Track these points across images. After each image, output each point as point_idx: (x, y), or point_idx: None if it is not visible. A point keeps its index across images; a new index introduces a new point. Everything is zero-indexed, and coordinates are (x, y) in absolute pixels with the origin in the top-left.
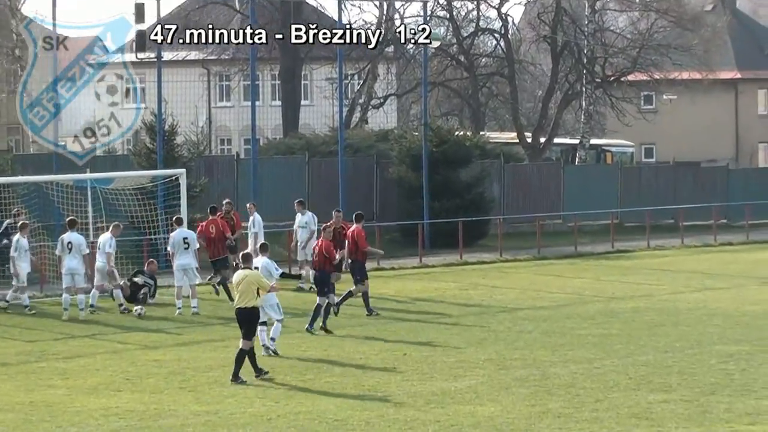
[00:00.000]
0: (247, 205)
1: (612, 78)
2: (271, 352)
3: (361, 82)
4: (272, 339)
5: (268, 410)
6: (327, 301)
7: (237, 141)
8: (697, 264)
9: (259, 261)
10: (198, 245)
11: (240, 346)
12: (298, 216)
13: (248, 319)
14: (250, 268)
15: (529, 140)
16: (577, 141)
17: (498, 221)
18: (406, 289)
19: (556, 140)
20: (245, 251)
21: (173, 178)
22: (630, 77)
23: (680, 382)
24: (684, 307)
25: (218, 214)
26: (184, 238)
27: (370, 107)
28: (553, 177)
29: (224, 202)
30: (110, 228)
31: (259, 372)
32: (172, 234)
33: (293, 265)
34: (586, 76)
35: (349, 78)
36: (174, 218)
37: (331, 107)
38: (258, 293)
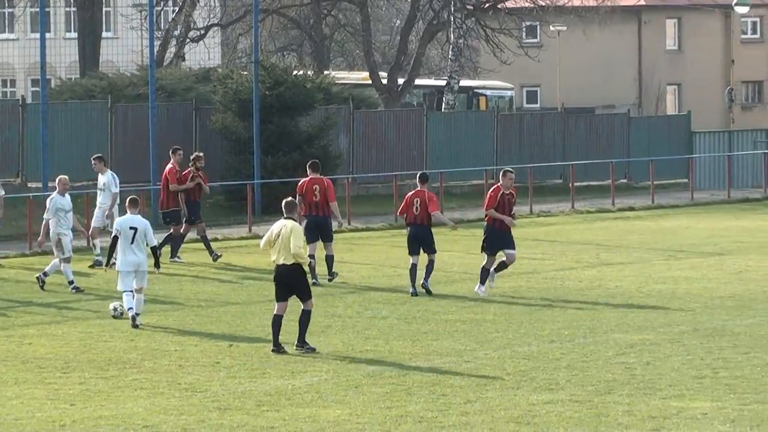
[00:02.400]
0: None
1: (486, 4)
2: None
3: (177, 9)
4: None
5: (62, 414)
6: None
7: (23, 82)
8: (591, 234)
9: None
10: None
11: (304, 308)
12: (99, 176)
13: (295, 277)
14: (293, 219)
15: (385, 81)
16: (443, 82)
17: (346, 181)
18: (232, 264)
19: (418, 81)
20: (289, 200)
21: None
22: (508, 3)
23: (569, 379)
24: (575, 287)
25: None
26: None
27: (188, 41)
28: (415, 127)
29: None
30: None
31: (304, 345)
32: None
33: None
34: (454, 2)
35: (162, 4)
36: None
37: (140, 40)
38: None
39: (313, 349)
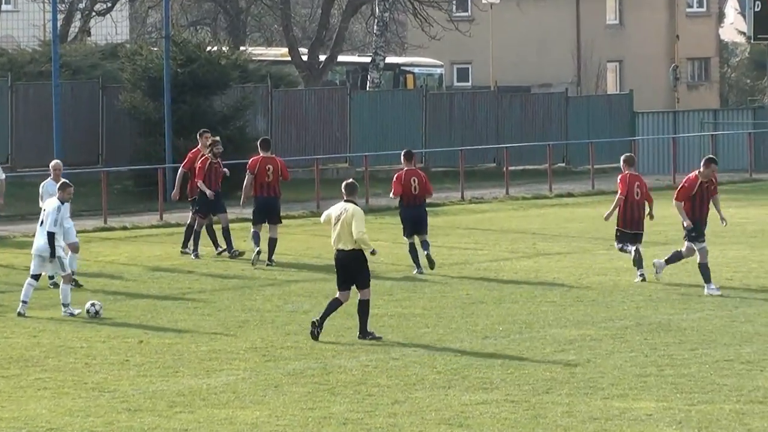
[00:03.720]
0: None
1: None
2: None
3: None
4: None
5: None
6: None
7: None
8: (526, 222)
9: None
10: None
11: (360, 298)
12: None
13: (355, 264)
14: (354, 202)
15: (305, 58)
16: (368, 59)
17: None
18: (142, 255)
19: (341, 58)
20: (350, 181)
21: None
22: None
23: (504, 378)
24: (510, 279)
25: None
26: None
27: (94, 14)
28: (337, 106)
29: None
30: None
31: (366, 334)
32: None
33: None
34: None
35: None
36: None
37: (42, 14)
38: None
39: (379, 338)
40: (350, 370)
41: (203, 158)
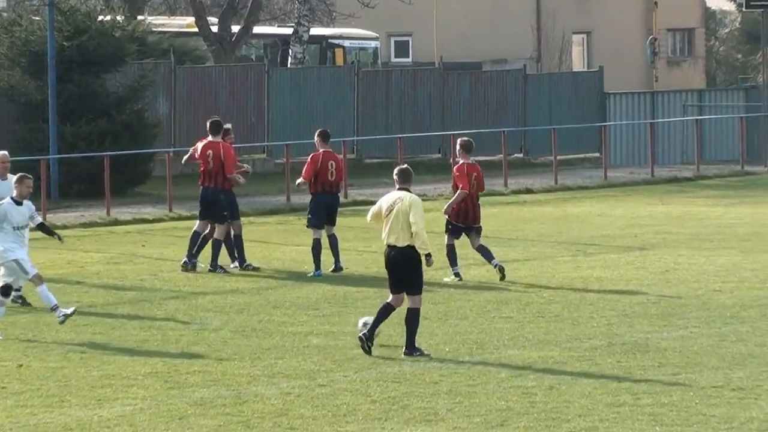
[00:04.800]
0: None
1: None
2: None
3: None
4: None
5: None
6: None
7: None
8: None
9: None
10: None
11: (409, 306)
12: None
13: (408, 265)
14: (408, 190)
15: (215, 29)
16: (289, 30)
17: (166, 157)
18: None
19: (257, 29)
20: (404, 167)
21: None
22: None
23: (452, 408)
24: (457, 291)
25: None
26: None
27: None
28: (253, 86)
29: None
30: None
31: (414, 350)
32: None
33: None
34: None
35: None
36: None
37: None
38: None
39: (427, 355)
40: (268, 398)
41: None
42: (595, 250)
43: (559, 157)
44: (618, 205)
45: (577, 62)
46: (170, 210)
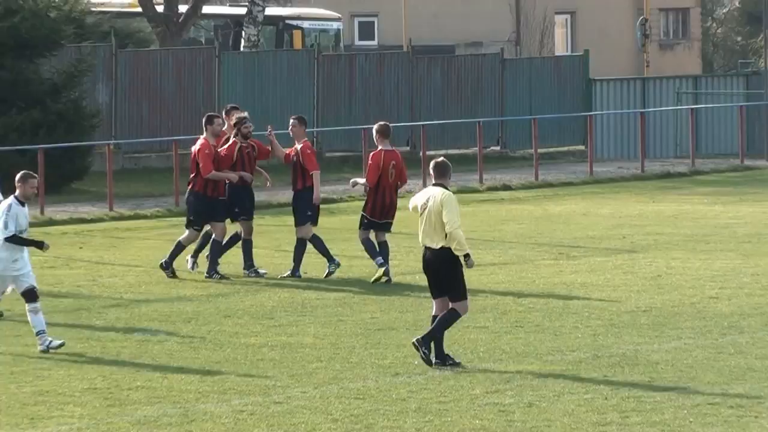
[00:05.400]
0: None
1: None
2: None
3: None
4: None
5: None
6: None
7: None
8: None
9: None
10: None
11: (451, 307)
12: None
13: (444, 268)
14: (444, 186)
15: (161, 9)
16: (243, 11)
17: (107, 149)
18: None
19: (207, 9)
20: (440, 160)
21: None
22: None
23: (421, 427)
24: (427, 297)
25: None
26: None
27: None
28: (203, 72)
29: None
30: None
31: (426, 345)
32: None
33: None
34: None
35: None
36: None
37: None
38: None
39: (458, 363)
40: (219, 417)
41: (230, 143)
42: (579, 253)
43: (540, 150)
44: (605, 204)
45: (560, 45)
46: (110, 209)
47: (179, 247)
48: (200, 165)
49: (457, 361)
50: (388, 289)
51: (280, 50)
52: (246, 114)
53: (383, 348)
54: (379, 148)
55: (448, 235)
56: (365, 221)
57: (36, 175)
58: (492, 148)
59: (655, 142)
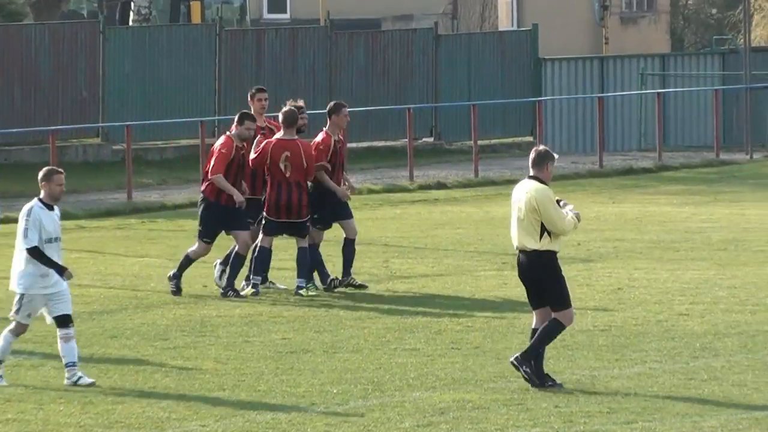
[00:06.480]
0: None
1: None
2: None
3: None
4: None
5: None
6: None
7: None
8: (375, 227)
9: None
10: None
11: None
12: None
13: (544, 275)
14: (540, 180)
15: None
16: None
17: None
18: None
19: None
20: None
21: None
22: None
23: None
24: (348, 316)
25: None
26: None
27: None
28: (85, 51)
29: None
30: None
31: (528, 363)
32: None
33: None
34: None
35: None
36: None
37: None
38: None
39: (560, 386)
40: None
41: (260, 140)
42: None
43: (480, 143)
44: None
45: (505, 19)
46: None
47: (187, 261)
48: (211, 163)
49: (558, 382)
50: (300, 306)
51: (175, 25)
52: (302, 103)
53: (296, 374)
54: (276, 135)
55: (557, 236)
56: (264, 222)
57: (62, 170)
58: (424, 139)
59: (616, 132)
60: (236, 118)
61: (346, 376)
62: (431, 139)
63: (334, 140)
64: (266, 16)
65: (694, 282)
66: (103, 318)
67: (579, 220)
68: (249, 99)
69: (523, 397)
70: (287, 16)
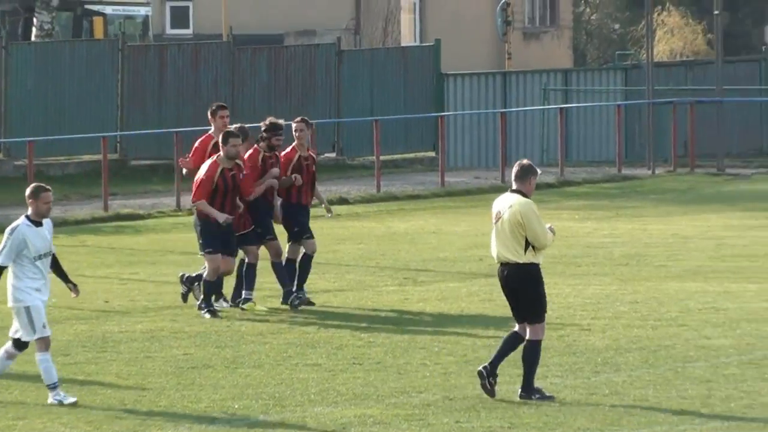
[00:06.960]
0: None
1: None
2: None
3: None
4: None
5: None
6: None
7: None
8: None
9: None
10: None
11: (528, 336)
12: None
13: (524, 286)
14: (522, 193)
15: None
16: None
17: None
18: None
19: None
20: (525, 161)
21: None
22: None
23: None
24: (250, 331)
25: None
26: None
27: None
28: None
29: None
30: None
31: (532, 391)
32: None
33: None
34: None
35: None
36: None
37: None
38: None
39: (551, 398)
40: None
41: (253, 150)
42: (428, 278)
43: (382, 158)
44: (459, 220)
45: (407, 34)
46: None
47: (209, 286)
48: (193, 188)
49: (549, 395)
50: (201, 322)
51: (78, 40)
52: (281, 122)
53: (197, 389)
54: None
55: (537, 251)
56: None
57: (49, 188)
58: (326, 154)
59: (518, 147)
60: (220, 139)
61: (248, 392)
62: (333, 155)
63: (300, 155)
64: (169, 31)
65: (596, 297)
66: (3, 334)
67: (554, 234)
68: (210, 117)
69: (424, 413)
70: (190, 31)
